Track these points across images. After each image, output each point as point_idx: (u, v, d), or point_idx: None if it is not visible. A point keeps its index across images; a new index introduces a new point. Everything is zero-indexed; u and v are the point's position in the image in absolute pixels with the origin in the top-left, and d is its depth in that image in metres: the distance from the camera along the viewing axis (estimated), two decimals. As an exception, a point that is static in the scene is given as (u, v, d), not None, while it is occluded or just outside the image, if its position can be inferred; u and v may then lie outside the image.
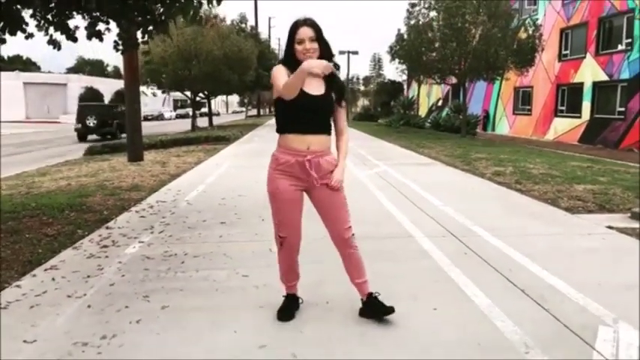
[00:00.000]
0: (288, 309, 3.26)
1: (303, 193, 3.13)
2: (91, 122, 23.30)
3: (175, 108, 59.94)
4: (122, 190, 8.15)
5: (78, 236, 5.37)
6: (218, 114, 60.10)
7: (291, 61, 2.96)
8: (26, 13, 6.61)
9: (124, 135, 22.57)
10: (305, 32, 2.95)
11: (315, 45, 2.94)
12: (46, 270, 4.26)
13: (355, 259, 3.20)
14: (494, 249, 4.79)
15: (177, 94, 30.91)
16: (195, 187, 8.53)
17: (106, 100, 53.73)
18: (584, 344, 2.90)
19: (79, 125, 23.80)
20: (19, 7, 6.30)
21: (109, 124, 23.60)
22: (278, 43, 54.45)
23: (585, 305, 3.44)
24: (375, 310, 3.19)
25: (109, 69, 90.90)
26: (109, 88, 55.21)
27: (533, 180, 8.90)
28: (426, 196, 7.43)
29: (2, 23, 6.29)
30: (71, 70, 71.15)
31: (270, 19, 61.22)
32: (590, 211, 6.49)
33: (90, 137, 23.95)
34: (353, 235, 3.16)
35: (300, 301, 3.36)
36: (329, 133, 3.08)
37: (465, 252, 4.72)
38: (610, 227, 5.59)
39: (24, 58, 75.91)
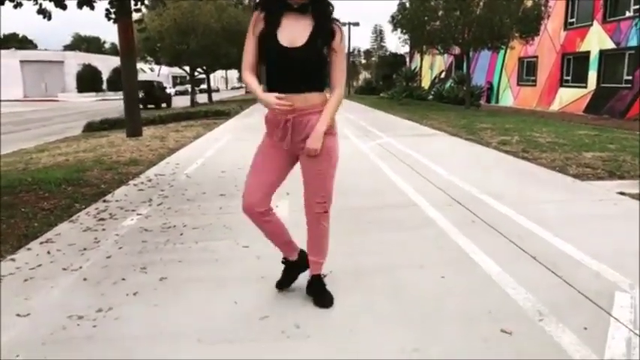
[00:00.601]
0: (286, 278, 3.11)
1: (288, 162, 2.81)
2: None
3: (174, 85, 59.38)
4: (120, 165, 8.00)
5: (75, 210, 5.24)
6: (217, 90, 59.61)
7: None
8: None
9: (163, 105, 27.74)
10: None
11: None
12: (41, 243, 4.13)
13: (318, 237, 2.90)
14: (503, 216, 4.65)
15: (176, 71, 30.53)
16: (195, 160, 8.37)
17: (104, 76, 53.46)
18: (601, 310, 2.77)
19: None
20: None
21: (152, 97, 27.85)
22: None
23: (600, 271, 3.31)
24: (315, 293, 2.95)
25: (107, 46, 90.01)
26: (106, 64, 54.71)
27: (540, 148, 8.71)
28: (431, 166, 7.27)
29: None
30: (68, 48, 70.37)
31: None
32: (600, 178, 6.33)
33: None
34: (325, 212, 2.84)
35: (306, 265, 3.04)
36: (319, 90, 2.66)
37: (472, 220, 4.58)
38: (622, 193, 5.43)
39: (20, 36, 75.08)
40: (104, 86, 53.97)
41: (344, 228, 4.10)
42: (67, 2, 6.60)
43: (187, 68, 27.45)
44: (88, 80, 51.48)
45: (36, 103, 40.03)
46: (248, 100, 33.00)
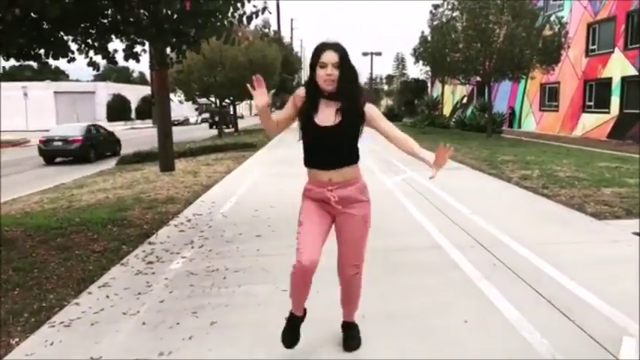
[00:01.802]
0: (292, 333, 3.21)
1: (330, 220, 3.08)
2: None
3: (200, 113, 60.76)
4: (159, 203, 8.50)
5: (123, 252, 5.70)
6: (242, 117, 60.63)
7: (312, 84, 2.91)
8: (67, 37, 6.99)
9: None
10: (329, 57, 2.82)
11: (337, 72, 2.82)
12: (99, 287, 4.58)
13: (352, 295, 3.25)
14: (523, 259, 4.96)
15: (203, 99, 31.46)
16: (228, 198, 8.84)
17: (133, 106, 55.15)
18: (608, 354, 3.07)
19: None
20: (62, 33, 6.69)
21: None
22: (300, 44, 54.86)
23: (610, 316, 3.61)
24: (345, 335, 3.33)
25: (135, 74, 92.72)
26: (135, 94, 56.48)
27: (560, 184, 8.98)
28: (454, 204, 7.60)
29: (46, 49, 6.69)
30: (98, 77, 72.70)
31: (292, 20, 61.81)
32: (617, 217, 6.59)
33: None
34: (357, 274, 3.16)
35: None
36: (352, 163, 3.00)
37: (494, 262, 4.90)
38: (636, 233, 5.69)
39: (52, 67, 77.84)
40: (133, 115, 55.62)
41: (374, 270, 4.45)
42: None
43: (213, 98, 28.30)
44: (118, 109, 53.26)
45: (68, 134, 41.31)
46: (273, 129, 33.63)
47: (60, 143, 18.81)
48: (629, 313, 3.62)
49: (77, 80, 66.56)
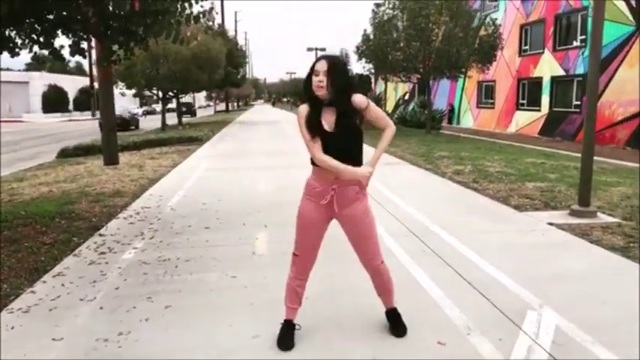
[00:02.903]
0: (286, 337, 3.38)
1: (328, 221, 3.33)
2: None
3: (142, 104, 59.44)
4: (106, 197, 8.60)
5: (74, 244, 5.86)
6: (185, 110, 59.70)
7: (309, 91, 3.15)
8: (12, 32, 6.99)
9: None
10: (320, 65, 3.09)
11: (325, 79, 3.06)
12: (53, 277, 4.77)
13: (384, 283, 3.51)
14: (449, 246, 5.51)
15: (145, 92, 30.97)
16: (176, 192, 9.04)
17: (70, 97, 53.29)
18: (514, 326, 3.61)
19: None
20: (10, 28, 6.70)
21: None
22: (245, 37, 54.59)
23: (519, 294, 4.17)
24: (391, 323, 3.57)
25: (71, 64, 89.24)
26: (73, 85, 54.52)
27: (489, 179, 9.71)
28: (392, 197, 8.13)
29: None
30: (30, 67, 69.52)
31: (236, 13, 61.37)
32: (536, 209, 7.29)
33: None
34: (382, 263, 3.44)
35: (297, 327, 3.44)
36: (357, 163, 3.19)
37: (423, 249, 5.42)
38: (550, 224, 6.38)
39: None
40: (70, 106, 53.72)
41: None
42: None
43: (157, 91, 27.97)
44: (54, 100, 51.25)
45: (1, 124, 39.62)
46: (218, 122, 33.58)
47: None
48: (534, 291, 4.20)
49: (8, 69, 63.45)
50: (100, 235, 6.25)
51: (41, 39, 7.05)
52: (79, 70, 78.57)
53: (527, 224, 6.50)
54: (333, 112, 3.15)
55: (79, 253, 5.52)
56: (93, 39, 7.32)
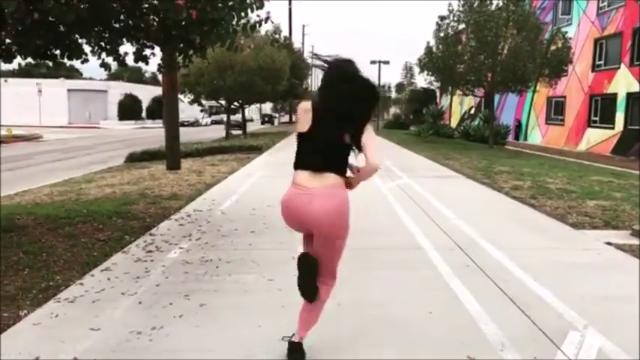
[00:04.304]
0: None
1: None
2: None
3: (210, 114, 61.40)
4: (162, 199, 8.92)
5: (126, 242, 6.11)
6: (251, 120, 61.21)
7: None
8: (82, 40, 7.45)
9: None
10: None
11: None
12: (101, 271, 4.99)
13: (318, 306, 3.21)
14: (494, 261, 5.31)
15: (212, 101, 32.01)
16: (229, 197, 9.24)
17: (144, 105, 55.88)
18: (552, 344, 3.42)
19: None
20: (77, 36, 7.14)
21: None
22: (311, 50, 55.24)
23: (563, 313, 3.96)
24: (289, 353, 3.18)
25: (147, 75, 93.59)
26: (147, 94, 57.16)
27: (548, 195, 9.31)
28: (441, 209, 7.95)
29: (62, 50, 7.15)
30: (111, 77, 73.44)
31: (304, 26, 62.36)
32: (594, 227, 6.91)
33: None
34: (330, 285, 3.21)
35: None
36: (333, 171, 2.98)
37: (467, 264, 5.26)
38: (609, 243, 6.02)
39: (67, 64, 78.79)
40: (143, 114, 56.33)
41: (356, 265, 4.82)
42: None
43: (223, 101, 28.82)
44: (129, 109, 53.97)
45: (80, 130, 42.12)
46: (279, 133, 34.15)
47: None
48: (579, 311, 3.97)
49: (90, 78, 67.42)
50: (151, 234, 6.48)
51: (108, 46, 7.48)
52: (153, 81, 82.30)
53: (582, 242, 6.17)
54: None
55: (128, 250, 5.75)
56: (156, 46, 7.60)
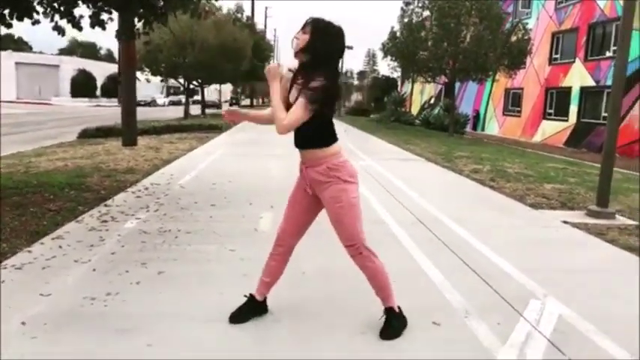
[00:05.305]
0: (242, 312, 3.22)
1: (313, 200, 3.11)
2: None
3: (168, 94, 60.03)
4: (118, 173, 8.61)
5: (79, 212, 5.84)
6: (218, 105, 59.84)
7: None
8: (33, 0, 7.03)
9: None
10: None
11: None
12: (52, 239, 4.74)
13: (370, 278, 3.22)
14: (457, 236, 5.34)
15: (171, 81, 31.24)
16: (188, 172, 9.01)
17: (98, 83, 54.05)
18: (514, 312, 3.44)
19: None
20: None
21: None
22: (274, 33, 54.74)
23: (524, 283, 3.99)
24: (384, 325, 3.16)
25: (102, 52, 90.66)
26: (101, 71, 55.30)
27: (507, 178, 9.47)
28: (404, 189, 7.97)
29: (10, 9, 6.73)
30: (64, 52, 70.74)
31: (266, 8, 61.58)
32: (552, 208, 7.06)
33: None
34: (356, 255, 3.17)
35: (265, 310, 3.29)
36: (316, 146, 2.95)
37: (430, 238, 5.26)
38: (565, 222, 6.15)
39: (15, 37, 75.34)
40: (98, 92, 54.49)
41: (316, 240, 4.74)
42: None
43: (182, 80, 28.15)
44: (82, 86, 52.04)
45: (29, 106, 40.39)
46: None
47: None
48: (540, 281, 4.01)
49: (41, 52, 64.65)
50: (106, 205, 6.23)
51: (62, 8, 7.09)
52: (109, 58, 79.77)
53: (541, 220, 6.28)
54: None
55: (82, 220, 5.49)
56: (114, 11, 7.26)
